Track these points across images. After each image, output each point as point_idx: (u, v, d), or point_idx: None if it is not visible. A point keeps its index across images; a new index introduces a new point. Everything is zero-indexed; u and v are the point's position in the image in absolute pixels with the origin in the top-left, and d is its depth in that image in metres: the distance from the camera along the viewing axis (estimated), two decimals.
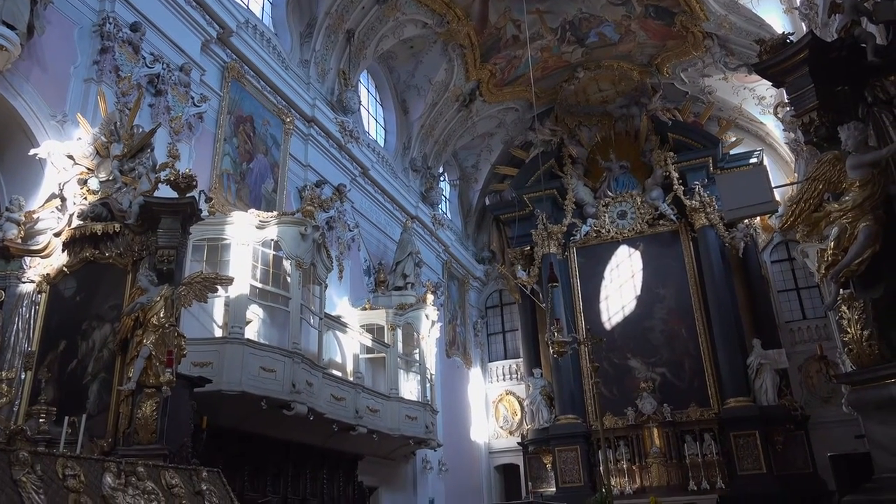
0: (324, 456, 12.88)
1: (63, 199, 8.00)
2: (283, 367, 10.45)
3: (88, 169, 8.14)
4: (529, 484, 20.33)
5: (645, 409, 19.04)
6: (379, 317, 15.19)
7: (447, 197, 23.27)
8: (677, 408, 19.09)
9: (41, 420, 6.54)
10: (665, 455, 18.61)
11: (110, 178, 8.03)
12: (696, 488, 17.84)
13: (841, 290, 5.72)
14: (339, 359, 13.77)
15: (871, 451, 5.40)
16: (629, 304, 20.89)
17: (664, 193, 21.17)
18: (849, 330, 5.51)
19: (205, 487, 5.11)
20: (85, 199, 7.96)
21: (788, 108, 14.37)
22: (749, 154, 20.63)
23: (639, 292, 20.89)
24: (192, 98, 11.29)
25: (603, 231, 21.58)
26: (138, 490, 4.37)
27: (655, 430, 18.80)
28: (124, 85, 9.88)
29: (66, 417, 6.40)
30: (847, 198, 5.67)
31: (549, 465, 19.94)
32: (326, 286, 12.73)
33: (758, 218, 20.05)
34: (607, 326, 20.66)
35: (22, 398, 7.12)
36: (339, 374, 13.17)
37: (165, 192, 8.12)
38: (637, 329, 20.48)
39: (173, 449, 7.01)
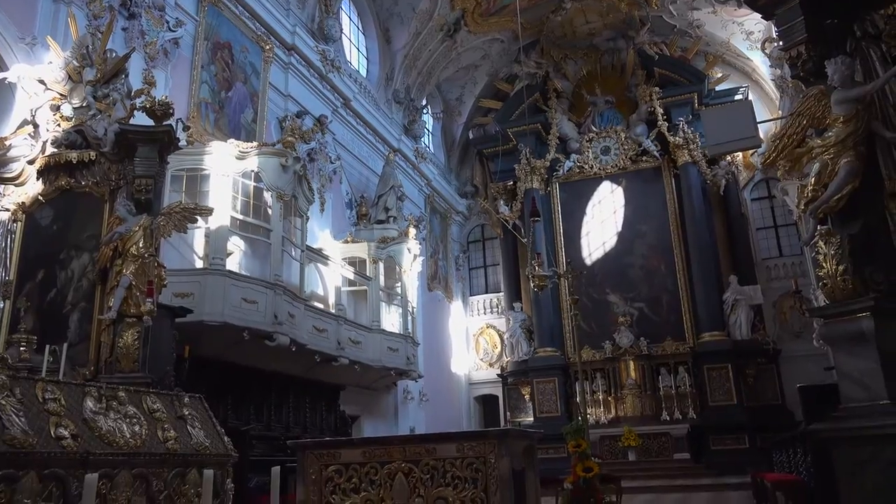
0: (306, 386, 13.07)
1: (35, 126, 7.79)
2: (265, 299, 10.49)
3: (61, 94, 7.90)
4: (508, 414, 20.88)
5: (622, 342, 19.46)
6: (361, 250, 15.21)
7: (430, 130, 22.97)
8: (653, 342, 19.53)
9: (22, 348, 6.55)
10: (640, 387, 19.13)
11: (84, 105, 7.82)
12: (668, 418, 18.44)
13: (819, 225, 5.76)
14: (321, 291, 13.84)
15: (838, 382, 5.54)
16: (610, 240, 21.04)
17: (648, 129, 21.04)
18: (824, 265, 5.57)
19: (187, 412, 5.17)
20: (58, 125, 7.77)
21: (776, 44, 14.22)
22: (734, 90, 20.45)
23: (620, 228, 21.02)
24: (167, 22, 10.91)
25: (586, 167, 21.51)
26: (120, 414, 4.41)
27: (631, 363, 19.26)
28: (95, 7, 9.51)
29: (48, 346, 6.42)
30: (830, 133, 5.64)
31: (527, 396, 20.44)
32: (308, 218, 12.67)
33: (739, 155, 20.08)
34: (588, 262, 20.84)
35: (1, 327, 7.10)
36: (321, 306, 13.26)
37: (141, 119, 7.92)
38: (617, 265, 20.69)
39: (156, 377, 7.08)
